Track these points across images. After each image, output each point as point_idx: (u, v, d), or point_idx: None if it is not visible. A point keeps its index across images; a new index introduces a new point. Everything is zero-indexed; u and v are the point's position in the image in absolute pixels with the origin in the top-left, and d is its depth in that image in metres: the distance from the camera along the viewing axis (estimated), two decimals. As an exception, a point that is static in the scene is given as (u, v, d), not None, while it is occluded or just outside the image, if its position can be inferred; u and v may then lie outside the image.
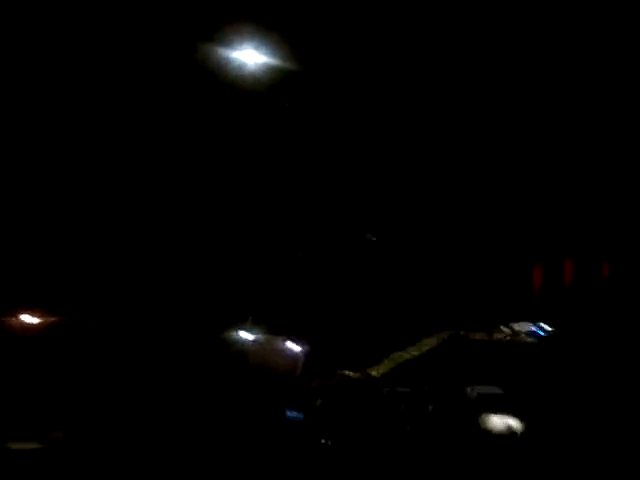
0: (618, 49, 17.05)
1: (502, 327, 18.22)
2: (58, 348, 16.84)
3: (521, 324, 18.15)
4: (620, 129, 17.88)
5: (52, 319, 17.48)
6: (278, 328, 19.92)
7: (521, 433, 15.61)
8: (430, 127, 19.42)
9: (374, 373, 17.93)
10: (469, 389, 16.35)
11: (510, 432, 15.54)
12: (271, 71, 16.84)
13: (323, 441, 15.94)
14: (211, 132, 19.41)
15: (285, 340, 20.03)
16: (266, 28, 17.04)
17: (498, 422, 15.93)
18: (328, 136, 19.66)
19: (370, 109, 19.37)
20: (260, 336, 19.43)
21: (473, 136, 19.38)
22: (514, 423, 15.60)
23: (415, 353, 17.57)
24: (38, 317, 17.36)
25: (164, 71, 18.70)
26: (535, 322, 17.83)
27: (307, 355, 20.06)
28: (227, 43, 16.55)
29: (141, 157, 19.18)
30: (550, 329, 17.68)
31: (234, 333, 19.00)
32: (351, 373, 18.48)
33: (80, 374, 16.39)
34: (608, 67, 17.46)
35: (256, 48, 15.83)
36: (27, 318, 17.30)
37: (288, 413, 17.04)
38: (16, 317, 17.22)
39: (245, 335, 19.17)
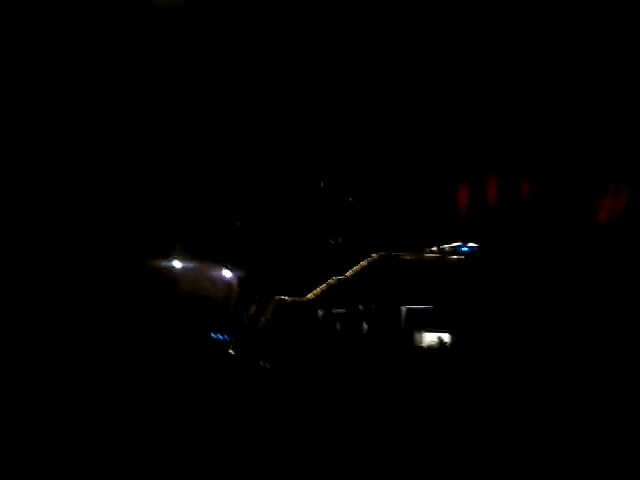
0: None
1: (432, 248, 18.78)
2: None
3: (449, 244, 18.76)
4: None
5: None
6: (210, 255, 19.87)
7: (451, 346, 16.42)
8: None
9: (309, 296, 18.30)
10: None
11: (441, 346, 16.33)
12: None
13: (262, 363, 16.25)
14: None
15: (218, 267, 20.02)
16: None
17: (427, 337, 16.72)
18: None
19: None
20: (191, 264, 19.29)
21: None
22: (445, 337, 16.40)
23: (348, 275, 17.96)
24: None
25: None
26: (463, 241, 18.45)
27: (241, 282, 20.18)
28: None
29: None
30: (475, 246, 18.36)
31: (162, 261, 18.77)
32: (288, 298, 18.80)
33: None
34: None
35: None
36: None
37: (216, 336, 17.15)
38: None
39: (174, 263, 19.00)
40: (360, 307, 17.32)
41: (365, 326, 16.93)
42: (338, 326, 17.06)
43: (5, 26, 16.89)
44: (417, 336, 16.45)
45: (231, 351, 16.58)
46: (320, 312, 17.64)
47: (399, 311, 17.08)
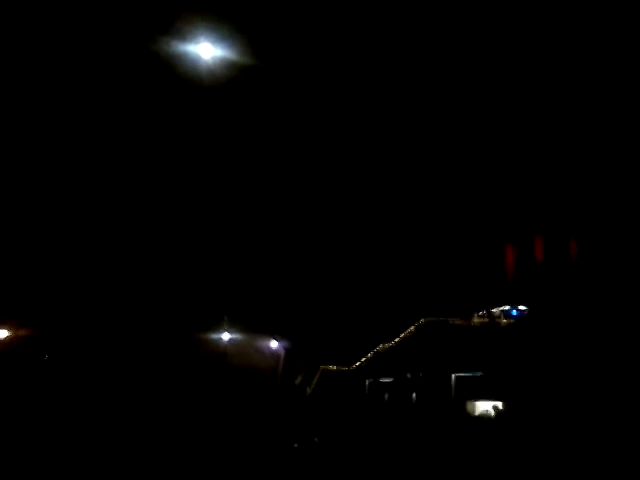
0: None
1: (480, 312, 18.35)
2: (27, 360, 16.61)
3: (498, 308, 18.33)
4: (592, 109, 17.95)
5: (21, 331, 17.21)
6: (257, 326, 19.86)
7: (503, 414, 15.78)
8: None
9: (356, 365, 18.01)
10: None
11: (493, 414, 15.71)
12: (227, 65, 16.62)
13: (315, 439, 15.95)
14: (167, 126, 19.11)
15: (265, 338, 19.97)
16: (222, 21, 16.77)
17: (480, 406, 16.10)
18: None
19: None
20: (239, 335, 19.34)
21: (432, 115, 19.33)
22: (496, 406, 15.78)
23: (394, 342, 17.64)
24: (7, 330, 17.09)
25: (120, 64, 18.26)
26: (511, 304, 17.98)
27: (288, 352, 20.04)
28: (183, 36, 16.26)
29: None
30: (525, 309, 17.85)
31: (211, 333, 18.86)
32: (333, 367, 18.54)
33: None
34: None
35: (212, 42, 15.56)
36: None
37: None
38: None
39: (223, 335, 19.06)
40: (408, 375, 16.87)
41: (414, 395, 16.44)
42: (386, 396, 16.60)
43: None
44: (469, 405, 15.86)
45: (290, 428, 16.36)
46: (367, 381, 17.25)
47: (449, 379, 16.55)
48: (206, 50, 15.58)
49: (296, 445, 15.43)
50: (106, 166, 18.96)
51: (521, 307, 18.07)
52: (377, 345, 18.58)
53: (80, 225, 18.86)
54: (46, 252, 18.67)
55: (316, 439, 15.84)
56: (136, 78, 18.38)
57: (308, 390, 18.18)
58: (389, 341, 18.41)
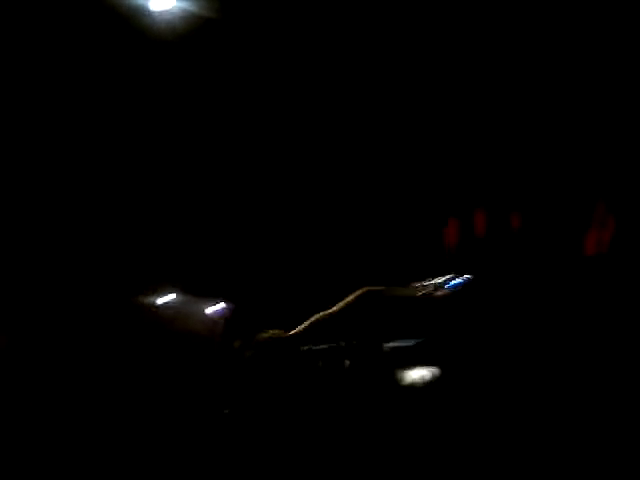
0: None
1: (418, 282, 18.45)
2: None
3: (435, 279, 18.42)
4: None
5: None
6: (196, 289, 19.69)
7: (436, 383, 15.93)
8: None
9: (293, 332, 17.97)
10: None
11: (424, 384, 15.84)
12: (186, 18, 16.15)
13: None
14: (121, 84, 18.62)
15: (204, 302, 19.85)
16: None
17: (413, 375, 16.22)
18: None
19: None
20: (175, 298, 19.16)
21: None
22: (428, 374, 15.91)
23: (331, 311, 17.63)
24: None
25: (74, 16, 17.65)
26: (448, 276, 18.11)
27: (228, 317, 19.97)
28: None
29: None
30: (461, 281, 17.99)
31: (146, 297, 18.67)
32: (271, 333, 18.47)
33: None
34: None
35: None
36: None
37: None
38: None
39: (158, 298, 18.87)
40: (342, 344, 16.93)
41: (347, 363, 16.52)
42: (320, 363, 16.66)
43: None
44: (399, 373, 15.97)
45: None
46: (302, 348, 17.29)
47: (381, 347, 16.66)
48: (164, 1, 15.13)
49: (226, 411, 15.45)
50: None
51: (458, 279, 18.19)
52: (316, 312, 18.58)
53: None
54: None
55: (249, 405, 15.85)
56: (87, 31, 17.79)
57: (246, 354, 18.11)
58: (327, 309, 18.41)
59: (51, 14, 17.07)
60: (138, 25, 16.29)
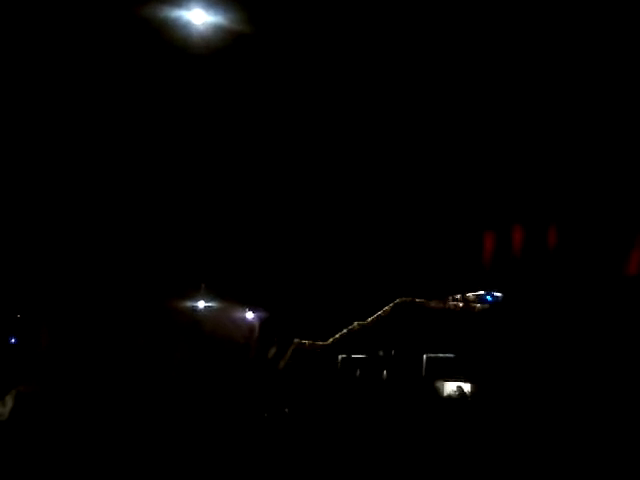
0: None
1: (456, 296, 18.53)
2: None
3: (473, 293, 18.52)
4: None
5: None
6: (233, 296, 19.85)
7: (471, 396, 16.00)
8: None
9: (330, 341, 18.16)
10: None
11: (461, 395, 15.93)
12: (219, 32, 16.38)
13: (286, 410, 16.04)
14: (155, 95, 18.87)
15: (240, 308, 20.02)
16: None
17: (450, 386, 16.31)
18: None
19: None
20: (214, 304, 19.34)
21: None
22: (465, 387, 16.00)
23: (369, 320, 17.80)
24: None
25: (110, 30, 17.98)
26: (486, 290, 18.18)
27: (263, 324, 20.11)
28: (174, 1, 15.98)
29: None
30: (499, 295, 18.06)
31: (186, 301, 18.85)
32: (307, 342, 18.67)
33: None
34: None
35: (204, 8, 15.32)
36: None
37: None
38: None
39: (199, 303, 19.07)
40: (380, 353, 17.06)
41: (385, 373, 16.64)
42: (358, 372, 16.80)
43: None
44: (438, 385, 16.08)
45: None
46: (340, 357, 17.43)
47: (420, 359, 16.76)
48: (198, 16, 15.34)
49: (266, 415, 15.55)
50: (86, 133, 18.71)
51: (496, 293, 18.27)
52: (352, 322, 18.74)
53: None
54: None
55: (286, 409, 15.98)
56: (125, 45, 18.13)
57: (282, 363, 18.28)
58: (364, 319, 18.57)
59: (89, 24, 17.48)
60: (171, 37, 16.64)
